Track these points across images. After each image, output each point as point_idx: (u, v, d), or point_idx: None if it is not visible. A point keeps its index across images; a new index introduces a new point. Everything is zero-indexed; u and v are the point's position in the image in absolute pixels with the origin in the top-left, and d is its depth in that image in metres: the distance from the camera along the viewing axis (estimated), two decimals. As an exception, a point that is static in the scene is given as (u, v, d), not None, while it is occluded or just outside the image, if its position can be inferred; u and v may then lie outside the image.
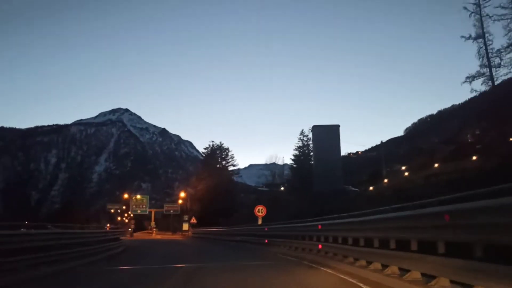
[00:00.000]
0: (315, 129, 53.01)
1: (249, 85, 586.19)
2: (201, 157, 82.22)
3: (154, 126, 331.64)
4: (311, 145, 73.95)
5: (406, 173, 52.89)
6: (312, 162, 73.53)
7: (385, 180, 53.97)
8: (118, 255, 21.28)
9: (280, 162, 69.93)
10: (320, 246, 14.35)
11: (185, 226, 70.69)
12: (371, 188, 52.85)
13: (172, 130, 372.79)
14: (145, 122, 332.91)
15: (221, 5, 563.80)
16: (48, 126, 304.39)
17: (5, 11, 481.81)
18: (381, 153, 57.04)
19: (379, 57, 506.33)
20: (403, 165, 63.37)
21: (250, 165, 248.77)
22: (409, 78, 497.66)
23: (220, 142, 79.03)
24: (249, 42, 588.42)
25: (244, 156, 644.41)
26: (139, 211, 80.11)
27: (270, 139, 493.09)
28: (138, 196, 79.00)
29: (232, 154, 77.32)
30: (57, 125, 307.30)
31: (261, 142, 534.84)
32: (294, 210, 43.39)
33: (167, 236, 76.46)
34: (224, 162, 76.60)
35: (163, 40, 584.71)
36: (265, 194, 73.70)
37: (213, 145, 78.56)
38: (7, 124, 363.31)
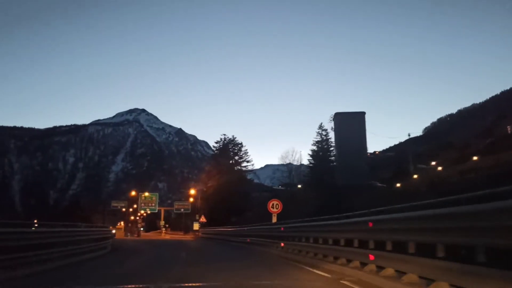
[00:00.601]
0: (338, 116, 46.00)
1: (265, 84, 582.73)
2: (213, 152, 76.10)
3: (170, 126, 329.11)
4: (331, 140, 67.94)
5: (439, 168, 46.66)
6: (332, 157, 67.66)
7: (415, 176, 47.91)
8: (83, 263, 15.84)
9: (296, 160, 62.90)
10: (371, 257, 8.61)
11: (196, 226, 65.41)
12: (398, 185, 47.11)
13: (188, 130, 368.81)
14: (162, 122, 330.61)
15: (234, 2, 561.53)
16: (66, 126, 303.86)
17: (24, 12, 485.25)
18: (407, 150, 50.81)
19: (395, 59, 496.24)
20: (429, 162, 57.54)
21: (266, 165, 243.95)
22: (424, 80, 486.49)
23: (233, 136, 73.47)
24: (263, 38, 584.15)
25: (260, 156, 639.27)
26: (148, 210, 75.06)
27: (286, 139, 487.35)
28: (147, 194, 73.58)
29: (246, 150, 71.52)
30: (75, 125, 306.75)
31: (277, 142, 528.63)
32: (313, 208, 37.85)
33: (177, 236, 71.23)
34: (237, 158, 70.84)
35: (179, 41, 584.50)
36: (281, 192, 68.00)
37: (224, 138, 72.84)
38: (26, 124, 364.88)
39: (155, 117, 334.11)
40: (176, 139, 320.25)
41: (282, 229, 18.14)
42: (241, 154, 70.08)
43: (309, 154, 67.62)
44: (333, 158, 68.20)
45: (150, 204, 72.50)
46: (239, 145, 70.66)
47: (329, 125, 51.96)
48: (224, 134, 72.68)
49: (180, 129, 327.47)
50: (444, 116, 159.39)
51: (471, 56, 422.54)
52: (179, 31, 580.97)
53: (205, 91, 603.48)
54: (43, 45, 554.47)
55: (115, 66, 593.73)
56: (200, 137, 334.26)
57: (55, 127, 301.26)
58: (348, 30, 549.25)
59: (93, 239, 21.62)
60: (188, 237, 63.31)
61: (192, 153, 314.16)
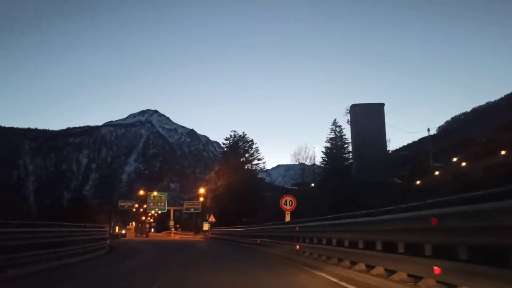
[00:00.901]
0: (355, 108, 42.39)
1: (276, 83, 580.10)
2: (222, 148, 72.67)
3: (182, 127, 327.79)
4: (345, 137, 64.84)
5: (463, 164, 43.33)
6: (347, 155, 64.55)
7: (436, 173, 44.66)
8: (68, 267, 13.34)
9: (309, 157, 59.19)
10: (437, 271, 5.74)
11: (206, 226, 62.85)
12: (417, 182, 43.98)
13: (199, 131, 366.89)
14: (174, 123, 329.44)
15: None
16: (80, 127, 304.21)
17: (37, 13, 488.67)
18: (426, 146, 47.40)
19: (399, 57, 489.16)
20: (449, 159, 54.22)
21: (278, 165, 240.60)
22: (437, 79, 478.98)
23: (243, 133, 70.11)
24: (272, 35, 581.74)
25: (271, 156, 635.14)
26: (157, 209, 72.59)
27: (298, 138, 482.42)
28: (155, 193, 71.05)
29: (257, 147, 68.61)
30: (88, 126, 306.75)
31: (289, 142, 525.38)
32: (329, 207, 34.95)
33: (187, 236, 68.79)
34: (247, 155, 67.93)
35: (191, 41, 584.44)
36: (294, 191, 64.84)
37: (234, 135, 69.68)
38: (40, 126, 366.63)
39: (167, 118, 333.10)
40: (188, 139, 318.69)
41: (296, 228, 15.35)
42: (251, 151, 67.22)
43: (322, 152, 64.53)
44: (347, 155, 65.02)
45: (159, 204, 70.02)
46: (250, 142, 67.86)
47: (345, 119, 48.77)
48: (234, 131, 69.63)
49: (192, 130, 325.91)
50: (459, 115, 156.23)
51: (486, 53, 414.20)
52: (190, 31, 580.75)
53: (216, 92, 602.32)
54: (56, 47, 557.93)
55: (127, 67, 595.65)
56: (212, 138, 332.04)
57: (68, 129, 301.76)
58: (361, 24, 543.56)
59: (83, 240, 19.11)
60: (198, 237, 60.76)
61: (204, 153, 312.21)
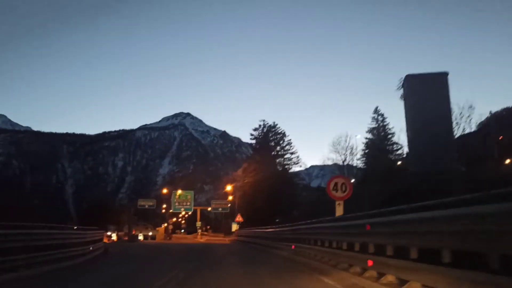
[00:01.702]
0: (410, 80, 33.37)
1: (308, 79, 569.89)
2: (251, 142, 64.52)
3: (215, 129, 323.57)
4: (389, 127, 56.42)
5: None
6: (390, 146, 56.13)
7: (507, 161, 35.89)
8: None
9: (350, 149, 50.84)
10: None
11: (234, 227, 55.87)
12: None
13: (232, 132, 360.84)
14: (206, 125, 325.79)
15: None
16: (115, 131, 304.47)
17: (69, 18, 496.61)
18: (490, 128, 38.71)
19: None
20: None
21: (311, 166, 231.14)
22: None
23: (274, 123, 61.36)
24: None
25: (304, 156, 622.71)
26: (182, 210, 65.77)
27: (333, 136, 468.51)
28: (180, 191, 64.19)
29: (290, 140, 60.48)
30: (123, 130, 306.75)
31: (323, 142, 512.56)
32: (379, 204, 26.83)
33: (215, 239, 61.88)
34: (278, 148, 60.22)
35: (221, 43, 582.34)
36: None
37: (264, 125, 60.73)
38: (77, 131, 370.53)
39: (200, 120, 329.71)
40: (221, 141, 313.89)
41: (368, 227, 7.82)
42: (283, 144, 59.31)
43: (363, 143, 56.50)
44: (390, 147, 56.57)
45: (185, 204, 63.19)
46: (281, 134, 60.05)
47: (397, 94, 40.13)
48: (263, 120, 61.53)
49: (224, 132, 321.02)
50: (500, 110, 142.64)
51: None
52: (222, 34, 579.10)
53: (247, 93, 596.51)
54: (93, 53, 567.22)
55: (161, 71, 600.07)
56: (244, 140, 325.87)
57: (104, 133, 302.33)
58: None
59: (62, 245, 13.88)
60: (227, 239, 53.86)
61: (237, 155, 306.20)
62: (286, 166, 60.09)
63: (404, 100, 34.92)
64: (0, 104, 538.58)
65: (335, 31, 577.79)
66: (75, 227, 17.70)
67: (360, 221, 8.19)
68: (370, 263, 7.57)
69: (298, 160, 60.99)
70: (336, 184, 12.30)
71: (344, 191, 12.25)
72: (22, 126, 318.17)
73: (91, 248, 18.97)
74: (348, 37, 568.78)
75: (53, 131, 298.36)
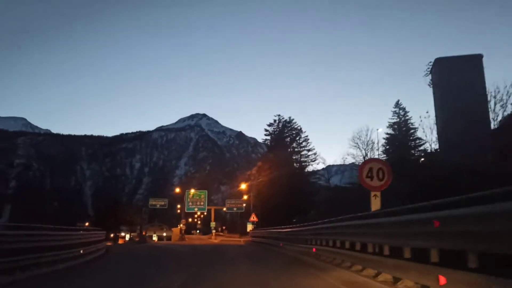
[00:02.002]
0: (440, 64, 29.55)
1: (325, 75, 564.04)
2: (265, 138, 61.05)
3: (231, 129, 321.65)
4: (411, 121, 52.85)
5: None
6: (414, 142, 52.53)
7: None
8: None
9: (371, 143, 47.23)
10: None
11: (249, 227, 53.01)
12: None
13: (248, 133, 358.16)
14: (222, 126, 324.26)
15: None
16: (132, 133, 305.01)
17: (85, 22, 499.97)
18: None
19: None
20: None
21: (328, 166, 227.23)
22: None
23: (289, 118, 58.03)
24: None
25: (322, 153, 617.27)
26: (196, 209, 63.31)
27: (350, 133, 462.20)
28: (193, 191, 61.71)
29: (306, 136, 57.31)
30: (140, 132, 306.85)
31: (340, 141, 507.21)
32: (408, 202, 23.59)
33: (230, 239, 59.09)
34: (294, 144, 56.68)
35: (237, 44, 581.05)
36: (350, 190, 53.92)
37: (279, 119, 57.58)
38: (95, 133, 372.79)
39: (216, 121, 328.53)
40: (237, 142, 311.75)
41: (436, 224, 4.97)
42: (300, 141, 56.13)
43: (384, 139, 53.08)
44: (413, 143, 53.06)
45: (198, 203, 60.70)
46: (297, 130, 56.81)
47: (425, 80, 36.51)
48: (279, 115, 58.45)
49: (240, 132, 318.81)
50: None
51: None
52: (238, 35, 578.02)
53: (263, 93, 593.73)
54: (110, 58, 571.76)
55: (177, 73, 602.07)
56: (260, 140, 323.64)
57: (122, 134, 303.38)
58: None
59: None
60: (242, 240, 51.11)
61: (253, 155, 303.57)
62: (303, 164, 56.96)
63: (433, 86, 31.55)
64: (20, 108, 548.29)
65: (352, 23, 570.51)
66: (59, 227, 15.12)
67: (424, 215, 5.35)
68: (442, 280, 4.74)
69: (315, 157, 57.74)
70: (370, 170, 9.38)
71: (382, 179, 9.39)
72: (41, 129, 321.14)
73: (81, 252, 16.40)
74: (365, 28, 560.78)
75: (72, 133, 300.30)
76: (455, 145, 24.47)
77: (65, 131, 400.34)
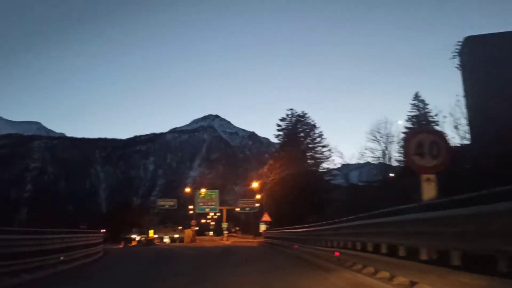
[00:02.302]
0: (471, 43, 26.54)
1: (341, 67, 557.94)
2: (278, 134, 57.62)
3: (243, 130, 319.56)
4: (430, 114, 49.62)
5: None
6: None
7: None
8: None
9: (391, 137, 43.74)
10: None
11: (262, 227, 50.46)
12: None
13: (261, 133, 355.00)
14: (235, 127, 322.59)
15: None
16: (146, 135, 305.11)
17: (99, 24, 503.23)
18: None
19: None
20: None
21: (343, 165, 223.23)
22: None
23: (303, 112, 54.78)
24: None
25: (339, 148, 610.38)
26: (207, 210, 60.95)
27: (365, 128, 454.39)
28: (204, 190, 59.36)
29: (321, 132, 54.15)
30: (153, 134, 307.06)
31: (358, 135, 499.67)
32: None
33: (243, 240, 56.69)
34: (308, 140, 53.45)
35: (248, 44, 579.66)
36: (368, 189, 50.79)
37: (292, 114, 54.36)
38: (109, 136, 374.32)
39: (228, 122, 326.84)
40: (250, 142, 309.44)
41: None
42: (314, 136, 53.20)
43: (402, 133, 49.95)
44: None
45: (209, 203, 58.33)
46: (311, 125, 53.66)
47: (453, 63, 33.13)
48: (292, 109, 55.42)
49: (253, 133, 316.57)
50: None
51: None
52: (249, 35, 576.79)
53: (275, 92, 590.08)
54: (122, 60, 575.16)
55: (189, 74, 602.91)
56: (273, 140, 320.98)
57: (135, 137, 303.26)
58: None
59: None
60: (255, 241, 48.62)
61: (266, 155, 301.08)
62: (317, 160, 53.99)
63: (462, 69, 28.31)
64: (35, 112, 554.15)
65: (361, 14, 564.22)
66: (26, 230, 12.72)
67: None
68: None
69: (330, 154, 54.63)
70: (420, 144, 6.63)
71: (436, 157, 6.65)
72: (56, 132, 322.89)
73: (61, 258, 13.93)
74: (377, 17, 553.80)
75: (86, 136, 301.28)
76: (486, 133, 21.49)
77: (79, 135, 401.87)
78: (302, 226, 20.71)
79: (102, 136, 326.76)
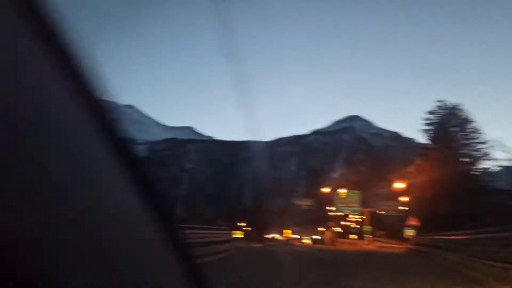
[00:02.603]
0: None
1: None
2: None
3: (386, 130, 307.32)
4: None
5: None
6: None
7: None
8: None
9: None
10: None
11: (408, 232, 46.00)
12: None
13: (404, 133, 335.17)
14: (376, 127, 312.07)
15: None
16: (289, 137, 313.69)
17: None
18: None
19: None
20: None
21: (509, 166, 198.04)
22: None
23: (455, 104, 48.57)
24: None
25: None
26: (347, 211, 58.39)
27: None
28: (343, 191, 56.90)
29: (477, 126, 46.28)
30: (295, 136, 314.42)
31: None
32: None
33: (386, 246, 53.11)
34: (461, 137, 46.33)
35: (384, 40, 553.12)
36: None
37: (442, 107, 47.77)
38: (252, 138, 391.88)
39: (370, 123, 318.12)
40: (392, 143, 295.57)
41: None
42: (468, 131, 45.94)
43: None
44: None
45: (350, 205, 55.76)
46: (464, 119, 46.61)
47: None
48: (442, 101, 49.03)
49: (396, 133, 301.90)
50: None
51: None
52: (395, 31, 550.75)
53: (418, 91, 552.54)
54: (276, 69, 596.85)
55: (331, 76, 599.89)
56: (417, 140, 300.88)
57: (280, 139, 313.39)
58: None
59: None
60: (400, 248, 44.73)
61: (410, 156, 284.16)
62: (473, 159, 47.03)
63: None
64: (187, 118, 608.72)
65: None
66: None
67: None
68: None
69: (489, 151, 47.11)
70: None
71: None
72: (205, 136, 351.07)
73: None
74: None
75: (233, 139, 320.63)
76: None
77: (226, 138, 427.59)
78: (467, 232, 16.99)
79: (246, 138, 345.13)
